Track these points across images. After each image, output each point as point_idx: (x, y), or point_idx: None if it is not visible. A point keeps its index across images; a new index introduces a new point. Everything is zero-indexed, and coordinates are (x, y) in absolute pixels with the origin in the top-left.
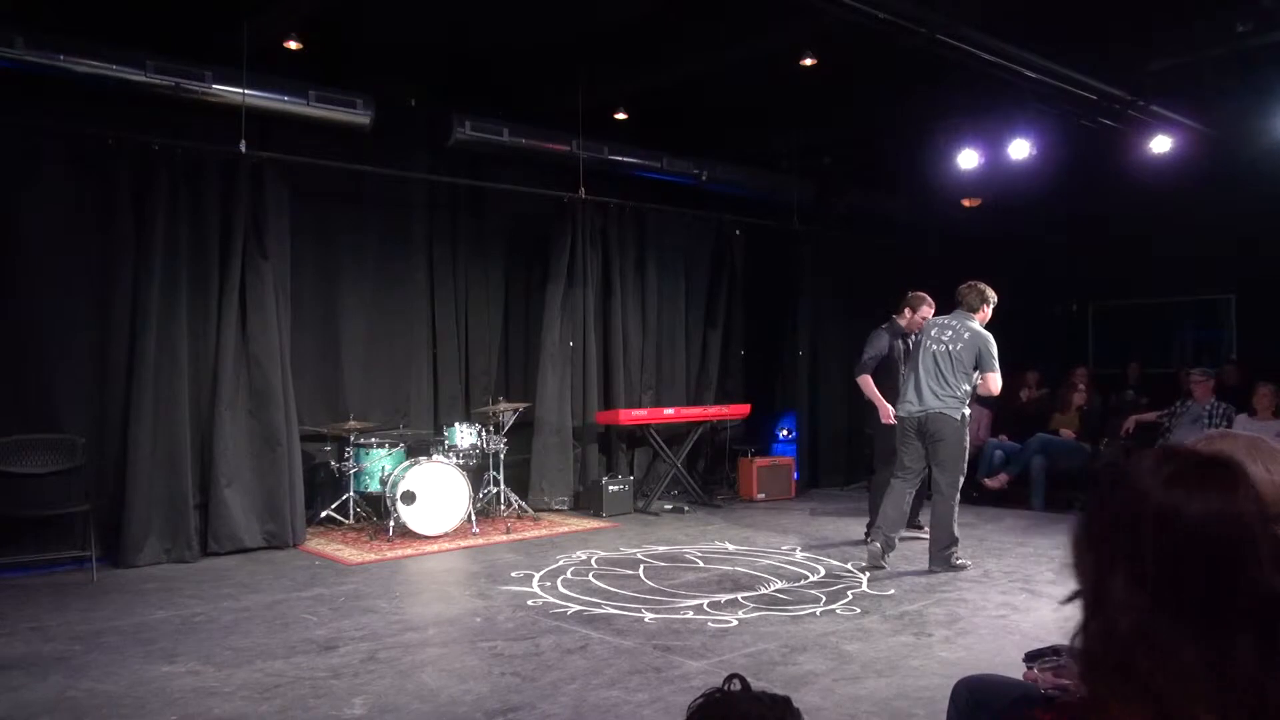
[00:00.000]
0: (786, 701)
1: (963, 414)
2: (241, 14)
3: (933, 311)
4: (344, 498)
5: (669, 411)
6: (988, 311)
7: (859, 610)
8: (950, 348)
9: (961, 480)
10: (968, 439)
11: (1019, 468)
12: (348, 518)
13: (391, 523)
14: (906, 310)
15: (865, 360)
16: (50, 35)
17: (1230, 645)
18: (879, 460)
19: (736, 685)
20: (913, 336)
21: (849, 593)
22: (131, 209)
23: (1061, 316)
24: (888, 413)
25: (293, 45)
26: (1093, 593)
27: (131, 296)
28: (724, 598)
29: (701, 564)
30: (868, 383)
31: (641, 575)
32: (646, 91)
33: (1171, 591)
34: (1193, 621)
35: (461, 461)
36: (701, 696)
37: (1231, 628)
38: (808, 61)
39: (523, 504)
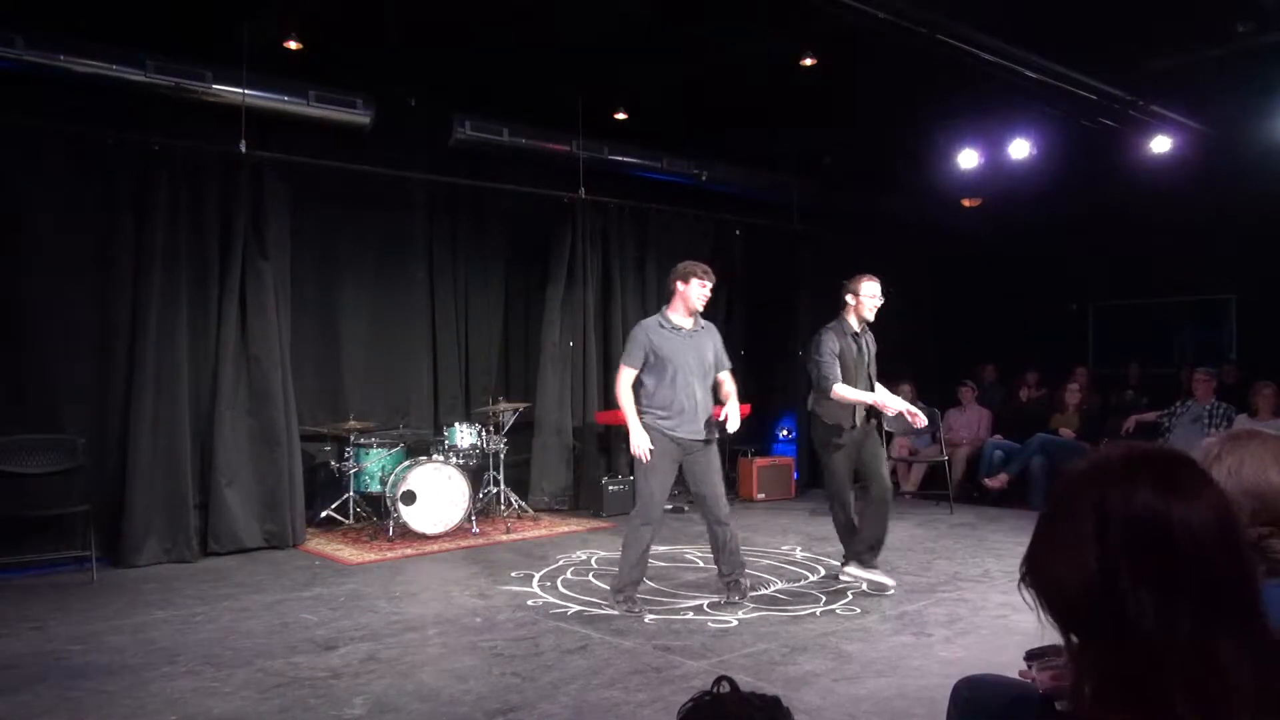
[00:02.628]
0: (776, 701)
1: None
2: (241, 14)
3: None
4: (344, 498)
5: None
6: (679, 287)
7: (859, 610)
8: None
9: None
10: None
11: (1019, 468)
12: (348, 518)
13: (391, 523)
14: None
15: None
16: (50, 35)
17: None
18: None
19: (726, 687)
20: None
21: (849, 593)
22: (131, 209)
23: (1062, 316)
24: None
25: (293, 45)
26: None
27: (131, 296)
28: (724, 598)
29: (701, 564)
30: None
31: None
32: (646, 91)
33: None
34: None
35: (461, 461)
36: (690, 700)
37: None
38: (808, 61)
39: (523, 504)
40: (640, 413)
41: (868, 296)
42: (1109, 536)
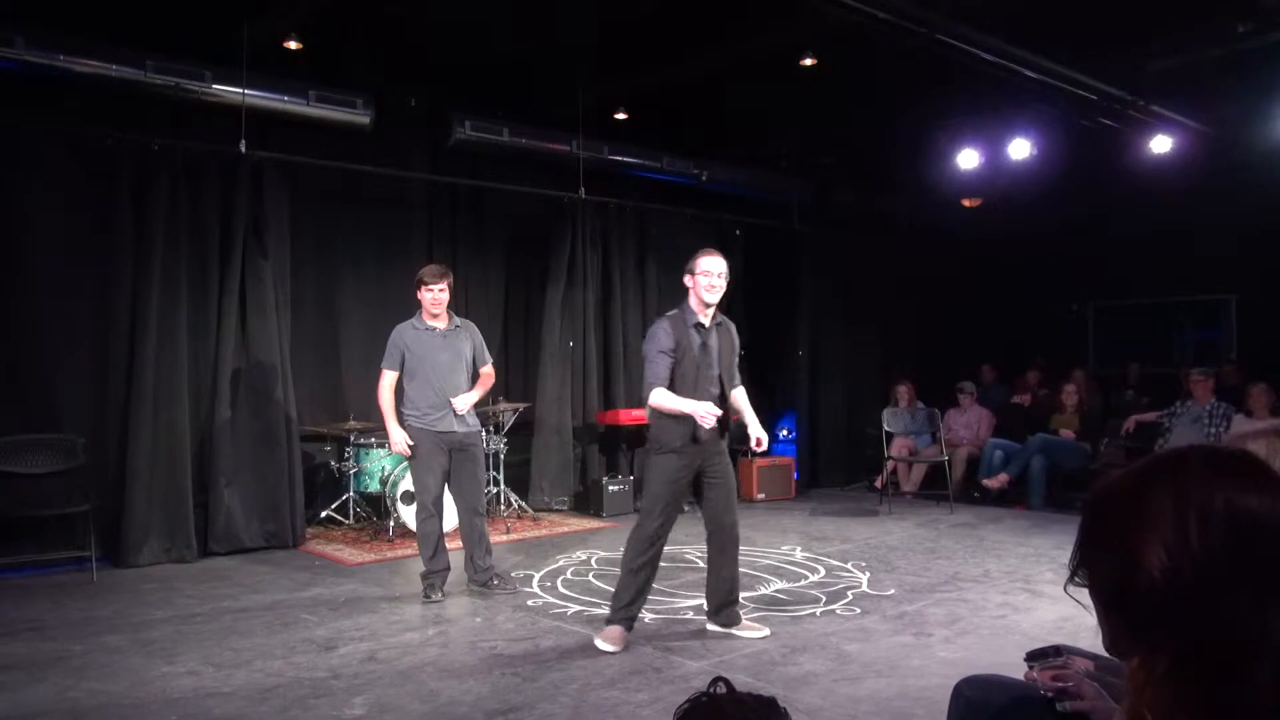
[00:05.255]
0: (772, 702)
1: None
2: (241, 14)
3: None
4: (344, 498)
5: None
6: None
7: (859, 610)
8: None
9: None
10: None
11: (1019, 468)
12: (348, 518)
13: (391, 523)
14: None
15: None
16: (50, 35)
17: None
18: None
19: (722, 688)
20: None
21: (849, 593)
22: (131, 209)
23: (1062, 316)
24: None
25: (293, 45)
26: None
27: (131, 296)
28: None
29: (701, 564)
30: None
31: None
32: (646, 91)
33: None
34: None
35: None
36: (687, 702)
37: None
38: (808, 61)
39: (523, 504)
40: (404, 412)
41: (703, 274)
42: (1208, 535)
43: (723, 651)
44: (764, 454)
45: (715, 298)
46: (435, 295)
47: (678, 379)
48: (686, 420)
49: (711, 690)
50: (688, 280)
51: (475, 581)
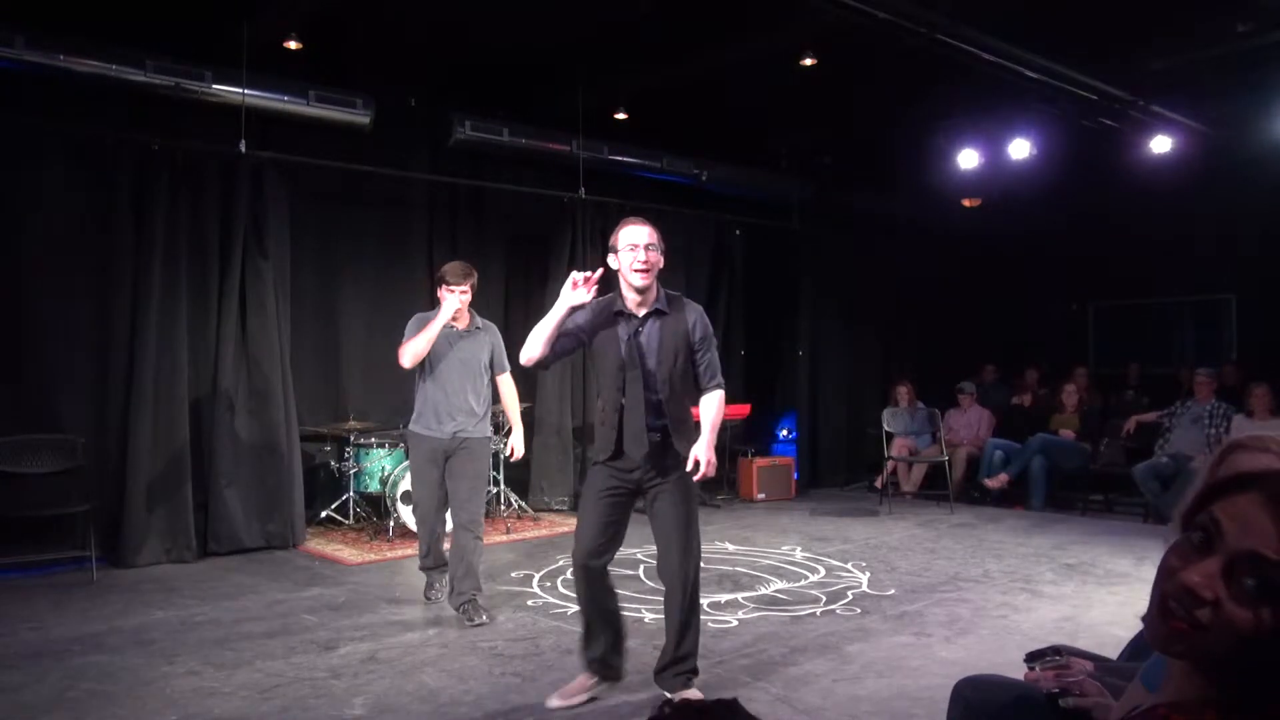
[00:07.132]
0: (732, 704)
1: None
2: (241, 14)
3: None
4: (344, 498)
5: None
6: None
7: (859, 610)
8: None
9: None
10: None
11: (1019, 468)
12: (348, 518)
13: (391, 523)
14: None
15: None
16: (50, 35)
17: None
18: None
19: (668, 711)
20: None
21: (849, 593)
22: (131, 209)
23: (1061, 316)
24: None
25: (293, 45)
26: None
27: (131, 296)
28: (724, 598)
29: (701, 564)
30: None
31: (641, 575)
32: (646, 91)
33: None
34: None
35: None
36: None
37: None
38: (808, 61)
39: (523, 504)
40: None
41: (628, 248)
42: None
43: (723, 651)
44: (761, 455)
45: (643, 280)
46: (458, 297)
47: (598, 373)
48: (608, 429)
49: (664, 710)
50: (611, 260)
51: (450, 602)
